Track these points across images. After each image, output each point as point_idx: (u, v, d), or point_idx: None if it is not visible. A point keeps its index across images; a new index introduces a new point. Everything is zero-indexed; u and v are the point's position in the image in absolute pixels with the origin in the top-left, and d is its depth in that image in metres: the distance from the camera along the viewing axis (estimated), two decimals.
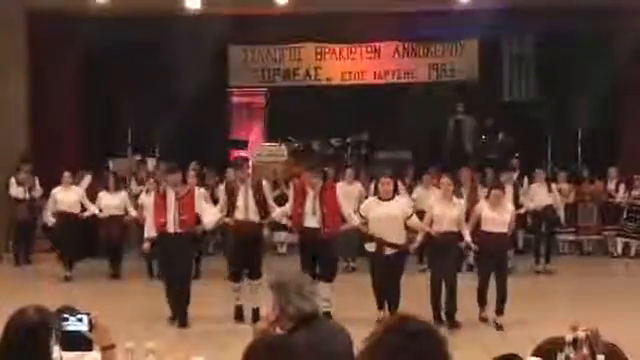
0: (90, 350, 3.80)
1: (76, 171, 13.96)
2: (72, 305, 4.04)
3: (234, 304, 9.31)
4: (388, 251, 8.83)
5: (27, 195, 13.40)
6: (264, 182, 9.80)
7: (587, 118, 16.10)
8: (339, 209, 9.19)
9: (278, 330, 3.77)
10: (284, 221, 10.22)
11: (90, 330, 3.71)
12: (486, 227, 8.96)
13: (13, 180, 13.50)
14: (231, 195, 9.40)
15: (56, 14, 15.19)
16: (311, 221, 9.06)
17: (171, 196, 9.01)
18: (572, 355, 3.79)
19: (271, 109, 18.35)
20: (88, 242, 12.87)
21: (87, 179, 13.81)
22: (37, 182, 13.53)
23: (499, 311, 8.91)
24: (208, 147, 16.02)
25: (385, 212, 8.81)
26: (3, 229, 13.93)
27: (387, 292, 8.94)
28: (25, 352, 3.28)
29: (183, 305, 9.06)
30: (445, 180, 9.25)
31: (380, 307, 8.96)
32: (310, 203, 9.06)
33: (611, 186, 14.40)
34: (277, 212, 9.58)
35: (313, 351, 3.49)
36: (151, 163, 15.66)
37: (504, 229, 8.95)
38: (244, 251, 9.30)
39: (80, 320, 3.66)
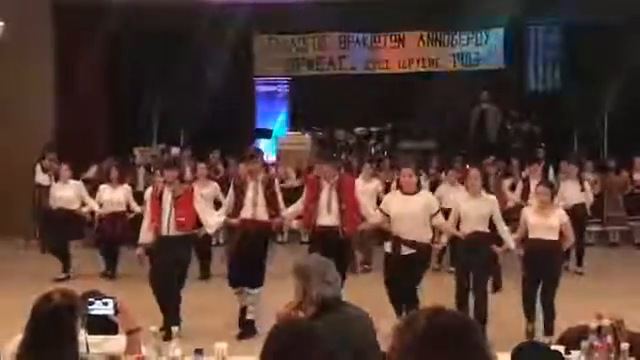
0: (115, 334, 3.84)
1: (101, 160, 14.09)
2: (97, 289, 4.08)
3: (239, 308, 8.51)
4: (405, 251, 7.86)
5: (52, 182, 13.49)
6: (276, 180, 9.02)
7: (613, 108, 15.95)
8: (358, 205, 8.33)
9: (301, 315, 3.79)
10: (294, 224, 9.06)
11: (115, 314, 3.75)
12: (533, 234, 7.97)
13: (39, 167, 13.62)
14: (240, 192, 8.49)
15: (83, 2, 15.30)
16: (325, 219, 8.21)
17: (167, 196, 8.24)
18: (596, 343, 3.78)
19: (295, 98, 18.36)
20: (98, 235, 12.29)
21: (92, 170, 13.82)
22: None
23: (549, 332, 7.84)
24: (232, 136, 16.06)
25: (407, 208, 7.85)
26: (29, 216, 14.06)
27: (404, 295, 7.94)
28: (51, 335, 3.31)
29: (174, 316, 7.98)
30: (473, 174, 8.30)
31: (399, 314, 7.94)
32: (325, 198, 8.20)
33: (637, 176, 14.27)
34: (287, 212, 8.66)
35: (335, 336, 3.50)
36: (175, 152, 15.73)
37: (554, 236, 7.89)
38: (247, 251, 8.39)
39: (106, 304, 3.70)
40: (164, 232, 8.23)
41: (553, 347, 3.92)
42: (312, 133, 16.83)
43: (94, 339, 3.89)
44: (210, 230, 8.77)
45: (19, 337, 3.44)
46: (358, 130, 17.11)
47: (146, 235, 8.38)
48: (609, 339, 3.81)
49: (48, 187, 13.34)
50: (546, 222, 7.92)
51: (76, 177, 12.37)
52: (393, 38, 17.91)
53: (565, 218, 8.07)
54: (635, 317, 4.26)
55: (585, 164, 14.25)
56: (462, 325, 2.15)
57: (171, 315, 7.98)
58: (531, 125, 16.90)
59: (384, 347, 3.59)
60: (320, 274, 3.87)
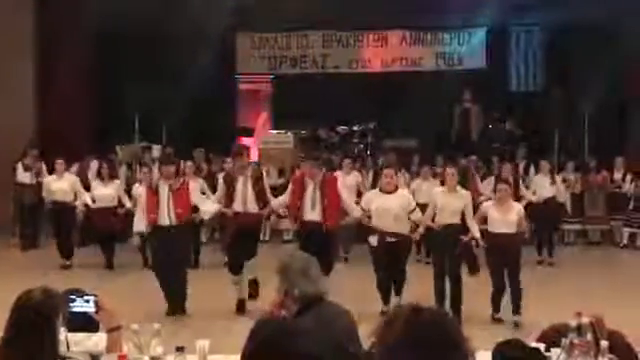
0: (96, 331, 3.83)
1: (82, 157, 14.03)
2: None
3: (237, 297, 9.09)
4: (390, 238, 8.77)
5: (34, 180, 13.40)
6: (264, 173, 9.63)
7: (594, 108, 16.07)
8: (340, 201, 8.93)
9: (283, 313, 3.79)
10: (281, 211, 9.84)
11: (97, 312, 3.73)
12: (492, 228, 8.69)
13: (20, 165, 13.53)
14: (229, 186, 9.12)
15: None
16: (310, 214, 8.80)
17: (164, 189, 8.83)
18: (576, 341, 3.80)
19: (278, 96, 18.35)
20: (84, 231, 12.68)
21: (94, 164, 13.83)
22: (44, 167, 13.55)
23: (516, 310, 8.61)
24: (215, 134, 16.03)
25: (387, 206, 8.71)
26: (10, 214, 13.97)
27: (392, 277, 8.92)
28: (32, 333, 3.30)
29: (181, 295, 8.94)
30: (450, 171, 8.95)
31: (386, 303, 8.90)
32: (310, 195, 8.78)
33: (618, 176, 14.38)
34: (275, 202, 9.34)
35: (317, 334, 3.50)
36: (156, 150, 15.67)
37: (511, 230, 8.60)
38: (242, 242, 9.05)
39: (87, 301, 3.69)
40: (164, 223, 8.81)
41: (533, 345, 3.94)
42: (295, 131, 16.83)
43: (75, 337, 3.88)
44: (206, 216, 9.54)
45: None
46: (341, 128, 17.14)
47: (140, 224, 9.09)
48: (589, 337, 3.84)
49: (29, 185, 13.32)
50: (505, 218, 8.60)
51: None
52: (376, 37, 17.97)
53: (522, 212, 8.78)
54: (615, 315, 4.29)
55: (566, 164, 14.37)
56: (440, 324, 2.16)
57: (179, 295, 8.90)
58: (512, 125, 16.99)
59: (366, 345, 3.60)
60: (302, 272, 3.87)
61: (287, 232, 14.31)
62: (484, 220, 8.83)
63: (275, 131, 17.40)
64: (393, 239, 8.76)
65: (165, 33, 16.14)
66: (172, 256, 8.86)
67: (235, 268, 9.06)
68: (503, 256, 8.58)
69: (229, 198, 9.10)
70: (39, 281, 3.59)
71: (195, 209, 9.24)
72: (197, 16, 15.70)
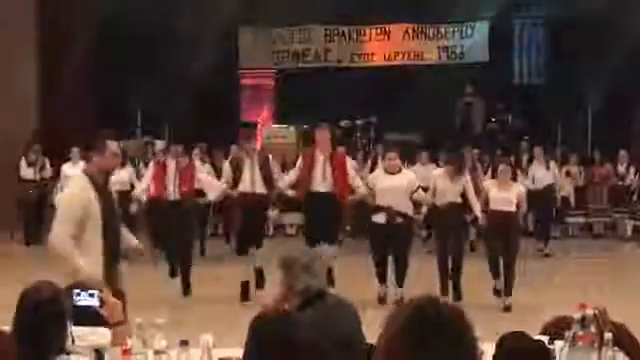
0: (101, 325, 3.84)
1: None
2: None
3: (240, 281, 9.15)
4: (397, 220, 8.94)
5: (37, 175, 13.44)
6: (270, 157, 9.82)
7: (598, 101, 16.04)
8: (348, 177, 9.16)
9: (286, 307, 3.79)
10: (289, 192, 9.89)
11: (101, 306, 3.75)
12: (493, 206, 9.00)
13: (23, 161, 13.55)
14: (236, 169, 9.28)
15: None
16: (321, 186, 9.03)
17: (172, 166, 9.38)
18: (580, 333, 3.80)
19: (281, 91, 18.34)
20: None
21: None
22: (47, 162, 13.57)
23: (507, 292, 8.82)
24: (218, 129, 16.03)
25: (392, 184, 8.93)
26: (14, 209, 13.99)
27: (395, 264, 9.05)
28: (38, 327, 3.31)
29: (186, 273, 9.28)
30: (449, 168, 9.39)
31: (381, 281, 9.08)
32: (320, 168, 9.01)
33: (621, 169, 14.38)
34: (282, 182, 9.50)
35: (319, 329, 3.52)
36: (160, 145, 15.66)
37: (511, 208, 8.92)
38: (250, 222, 9.24)
39: (91, 296, 3.71)
40: (169, 197, 9.37)
41: (537, 337, 3.94)
42: (297, 126, 16.82)
43: (80, 331, 3.89)
44: (211, 197, 9.90)
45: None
46: (343, 123, 17.13)
47: (141, 193, 9.66)
48: (592, 329, 3.84)
49: (33, 180, 13.35)
50: (505, 196, 8.96)
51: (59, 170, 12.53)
52: (379, 31, 17.92)
53: (522, 193, 9.17)
54: (618, 307, 4.29)
55: (569, 157, 14.37)
56: (446, 315, 2.16)
57: (184, 272, 9.28)
58: (515, 118, 16.97)
59: (369, 337, 3.61)
60: (305, 266, 3.87)
61: (290, 226, 14.34)
62: (488, 201, 9.10)
63: (277, 125, 17.39)
64: (398, 220, 8.90)
65: (167, 28, 16.12)
66: (176, 236, 9.37)
67: (244, 249, 9.27)
68: (500, 234, 8.87)
69: (235, 181, 9.25)
70: (43, 276, 3.59)
71: (201, 193, 9.64)
72: (199, 11, 15.67)
